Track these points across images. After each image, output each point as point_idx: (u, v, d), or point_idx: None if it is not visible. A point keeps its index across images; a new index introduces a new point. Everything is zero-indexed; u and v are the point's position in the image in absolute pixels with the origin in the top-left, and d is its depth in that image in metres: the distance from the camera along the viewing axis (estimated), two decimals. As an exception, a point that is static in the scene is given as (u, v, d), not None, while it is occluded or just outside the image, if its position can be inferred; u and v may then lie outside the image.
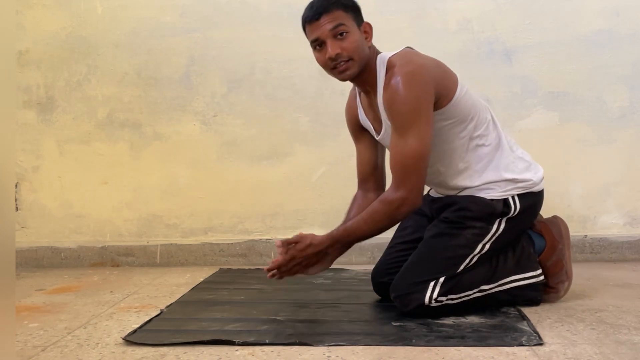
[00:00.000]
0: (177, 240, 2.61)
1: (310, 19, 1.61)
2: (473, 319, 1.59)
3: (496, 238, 1.66)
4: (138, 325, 1.60)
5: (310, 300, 1.85)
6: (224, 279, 2.23)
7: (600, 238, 2.45)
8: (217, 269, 2.42)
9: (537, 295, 1.72)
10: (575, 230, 2.29)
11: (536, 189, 1.72)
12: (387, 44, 2.51)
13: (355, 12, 1.64)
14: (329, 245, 1.62)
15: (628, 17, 2.44)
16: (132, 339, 1.48)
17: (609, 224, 2.48)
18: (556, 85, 2.47)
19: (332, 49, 1.58)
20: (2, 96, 1.22)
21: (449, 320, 1.58)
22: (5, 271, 1.17)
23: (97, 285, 2.19)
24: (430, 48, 2.50)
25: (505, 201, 1.66)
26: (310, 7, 1.63)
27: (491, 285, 1.66)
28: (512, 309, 1.68)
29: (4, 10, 1.26)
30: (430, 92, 1.54)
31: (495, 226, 1.66)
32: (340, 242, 1.63)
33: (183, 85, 2.59)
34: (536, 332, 1.46)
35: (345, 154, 2.46)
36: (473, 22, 2.48)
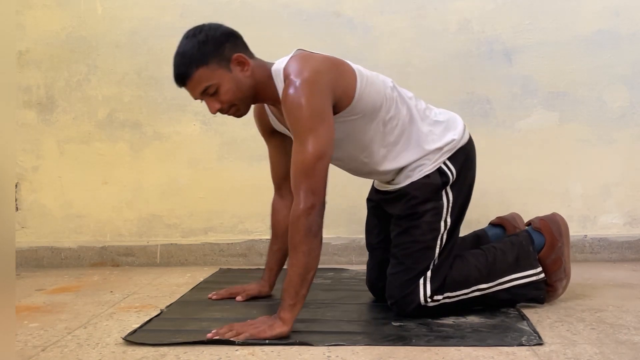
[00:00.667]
0: (177, 240, 2.61)
1: (177, 84, 1.57)
2: (473, 319, 1.59)
3: (452, 208, 1.66)
4: (138, 325, 1.60)
5: (310, 300, 1.84)
6: (224, 279, 2.23)
7: (600, 238, 2.45)
8: (217, 269, 2.42)
9: (540, 294, 1.71)
10: (575, 230, 2.29)
11: (462, 142, 1.70)
12: (387, 44, 2.53)
13: (217, 55, 1.53)
14: (289, 326, 1.48)
15: (628, 17, 2.44)
16: (132, 339, 1.48)
17: (609, 224, 2.48)
18: (556, 85, 2.47)
19: (211, 108, 1.56)
20: (2, 96, 1.22)
21: (449, 320, 1.58)
22: (5, 271, 1.17)
23: (97, 285, 2.19)
24: (430, 48, 2.52)
25: (439, 170, 1.66)
26: (173, 69, 1.57)
27: (489, 284, 1.66)
28: (512, 309, 1.68)
29: (4, 10, 1.26)
30: (326, 97, 1.49)
31: (444, 199, 1.66)
32: (291, 305, 1.47)
33: (183, 85, 2.59)
34: (536, 332, 1.46)
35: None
36: (473, 22, 2.48)
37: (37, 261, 2.62)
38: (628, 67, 2.44)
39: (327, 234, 2.52)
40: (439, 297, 1.61)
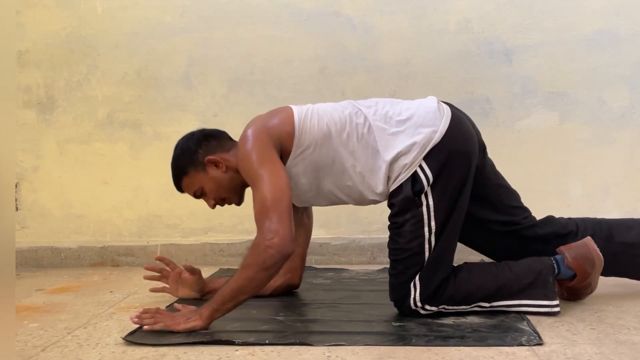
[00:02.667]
0: (177, 240, 2.61)
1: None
2: (473, 319, 1.59)
3: (435, 212, 1.60)
4: (138, 325, 1.59)
5: (310, 300, 1.85)
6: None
7: (600, 238, 2.45)
8: (217, 269, 2.42)
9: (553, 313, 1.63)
10: (575, 230, 2.29)
11: (438, 138, 1.59)
12: (387, 44, 2.53)
13: (192, 163, 1.72)
14: (204, 322, 1.51)
15: (628, 17, 2.44)
16: (132, 339, 1.48)
17: (609, 224, 2.47)
18: (556, 85, 2.47)
19: (209, 205, 1.77)
20: (2, 96, 1.22)
21: (449, 320, 1.58)
22: (5, 271, 1.17)
23: (97, 285, 2.19)
24: (430, 48, 2.52)
25: (414, 177, 1.59)
26: None
27: (493, 304, 1.62)
28: (512, 309, 1.68)
29: (4, 10, 1.26)
30: (267, 144, 1.58)
31: (424, 205, 1.59)
32: (214, 310, 1.52)
33: (183, 85, 2.59)
34: (536, 332, 1.46)
35: (345, 154, 2.46)
36: (473, 22, 2.48)
37: (37, 261, 2.62)
38: (628, 67, 2.44)
39: (327, 234, 2.56)
40: (433, 307, 1.60)
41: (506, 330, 1.49)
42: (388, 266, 1.68)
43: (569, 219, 1.82)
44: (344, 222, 2.52)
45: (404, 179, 1.60)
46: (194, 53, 2.58)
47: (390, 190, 1.63)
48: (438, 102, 1.68)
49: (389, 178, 1.62)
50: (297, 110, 1.66)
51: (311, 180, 1.67)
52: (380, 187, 1.64)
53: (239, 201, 1.78)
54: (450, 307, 1.62)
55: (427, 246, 1.61)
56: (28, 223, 2.67)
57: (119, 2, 2.59)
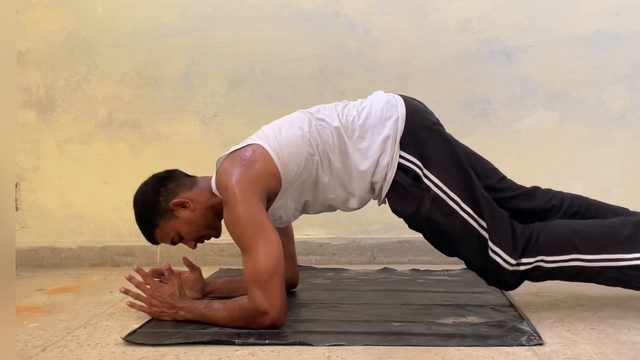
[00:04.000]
0: (177, 240, 2.60)
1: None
2: (473, 319, 1.59)
3: (446, 184, 1.57)
4: (138, 325, 1.59)
5: (310, 300, 1.85)
6: (224, 279, 2.22)
7: (600, 238, 2.45)
8: (217, 269, 2.42)
9: None
10: (575, 230, 2.29)
11: (401, 128, 1.57)
12: (387, 44, 2.53)
13: (157, 213, 1.66)
14: (186, 312, 1.59)
15: (628, 17, 2.44)
16: (132, 339, 1.48)
17: (609, 224, 2.47)
18: (556, 85, 2.47)
19: (190, 247, 1.72)
20: (2, 96, 1.22)
21: (449, 320, 1.58)
22: (5, 271, 1.17)
23: (97, 285, 2.19)
24: (430, 48, 2.52)
25: (402, 169, 1.57)
26: None
27: (592, 257, 1.53)
28: (512, 309, 1.68)
29: (4, 10, 1.26)
30: (257, 202, 1.52)
31: (432, 185, 1.57)
32: (195, 315, 1.58)
33: (183, 85, 2.59)
34: (536, 332, 1.46)
35: (345, 154, 2.46)
36: (473, 22, 2.48)
37: (37, 261, 2.62)
38: (628, 67, 2.44)
39: (327, 234, 2.56)
40: (530, 259, 1.55)
41: (506, 330, 1.49)
42: (446, 268, 1.68)
43: (555, 193, 1.77)
44: (344, 222, 2.52)
45: (392, 176, 1.59)
46: (194, 53, 2.58)
47: (384, 193, 1.62)
48: (385, 93, 1.68)
49: (374, 182, 1.62)
50: (270, 147, 1.59)
51: (298, 202, 1.68)
52: (365, 189, 1.63)
53: (217, 234, 1.74)
54: (548, 258, 1.55)
55: (465, 215, 1.57)
56: (28, 223, 2.67)
57: (119, 2, 2.59)
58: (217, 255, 2.57)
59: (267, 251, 1.48)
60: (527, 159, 2.47)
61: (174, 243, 1.71)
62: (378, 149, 1.59)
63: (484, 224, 1.58)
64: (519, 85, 2.48)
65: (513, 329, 1.49)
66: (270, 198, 1.61)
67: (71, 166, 2.64)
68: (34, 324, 1.68)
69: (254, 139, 1.65)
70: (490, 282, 1.66)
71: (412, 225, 1.66)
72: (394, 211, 1.66)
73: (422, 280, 2.09)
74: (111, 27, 2.60)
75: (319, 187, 1.65)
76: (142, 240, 2.59)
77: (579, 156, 2.47)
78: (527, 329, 1.49)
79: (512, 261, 1.55)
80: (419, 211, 1.60)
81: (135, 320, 1.67)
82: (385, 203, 1.69)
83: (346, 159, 1.61)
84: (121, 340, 1.49)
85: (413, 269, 2.29)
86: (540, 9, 2.46)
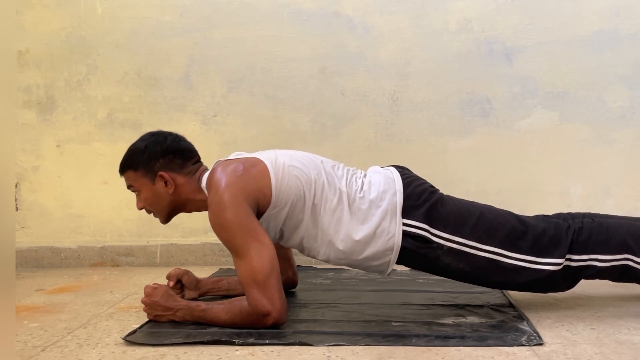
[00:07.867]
0: (177, 240, 2.61)
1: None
2: (473, 319, 1.59)
3: (454, 232, 1.57)
4: (138, 325, 1.60)
5: (310, 300, 1.85)
6: (224, 279, 2.22)
7: (600, 238, 2.45)
8: (217, 269, 2.42)
9: None
10: (575, 230, 2.29)
11: (399, 201, 1.58)
12: (387, 44, 2.53)
13: (146, 166, 1.67)
14: (184, 313, 1.59)
15: (628, 17, 2.44)
16: (132, 339, 1.48)
17: (609, 224, 2.47)
18: (556, 85, 2.47)
19: (137, 204, 1.74)
20: (2, 96, 1.22)
21: (449, 320, 1.58)
22: (5, 271, 1.17)
23: (97, 285, 2.19)
24: (430, 48, 2.52)
25: (409, 237, 1.57)
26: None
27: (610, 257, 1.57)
28: (512, 309, 1.68)
29: (4, 10, 1.26)
30: (246, 209, 1.52)
31: (441, 239, 1.57)
32: (194, 317, 1.58)
33: (183, 85, 2.59)
34: (536, 332, 1.46)
35: (345, 153, 2.46)
36: (473, 22, 2.48)
37: (37, 261, 2.62)
38: (628, 67, 2.44)
39: (327, 234, 2.55)
40: (583, 256, 1.56)
41: (506, 330, 1.49)
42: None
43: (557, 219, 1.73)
44: (344, 222, 2.51)
45: (398, 244, 1.58)
46: (194, 53, 2.58)
47: (392, 262, 1.61)
48: (381, 168, 1.71)
49: (376, 252, 1.60)
50: (272, 167, 1.59)
51: (275, 231, 1.65)
52: (356, 253, 1.62)
53: (165, 221, 1.75)
54: (602, 257, 1.55)
55: (488, 255, 1.57)
56: (28, 223, 2.67)
57: (119, 2, 2.59)
58: (217, 255, 2.57)
59: (260, 253, 1.48)
60: (527, 159, 2.47)
61: (129, 189, 1.74)
62: (376, 221, 1.58)
63: (513, 255, 1.58)
64: (519, 85, 2.48)
65: (513, 329, 1.49)
66: (257, 215, 1.59)
67: (71, 166, 2.64)
68: (34, 324, 1.68)
69: (262, 155, 1.65)
70: (544, 290, 1.65)
71: (437, 275, 1.67)
72: (414, 269, 1.68)
73: (422, 280, 2.09)
74: (111, 27, 2.60)
75: (299, 230, 1.63)
76: (142, 240, 2.62)
77: (579, 156, 2.47)
78: (527, 329, 1.50)
79: (560, 260, 1.56)
80: (438, 265, 1.61)
81: (135, 320, 1.67)
82: (390, 274, 1.69)
83: (337, 224, 1.59)
84: (121, 340, 1.49)
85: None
86: (540, 9, 2.46)
